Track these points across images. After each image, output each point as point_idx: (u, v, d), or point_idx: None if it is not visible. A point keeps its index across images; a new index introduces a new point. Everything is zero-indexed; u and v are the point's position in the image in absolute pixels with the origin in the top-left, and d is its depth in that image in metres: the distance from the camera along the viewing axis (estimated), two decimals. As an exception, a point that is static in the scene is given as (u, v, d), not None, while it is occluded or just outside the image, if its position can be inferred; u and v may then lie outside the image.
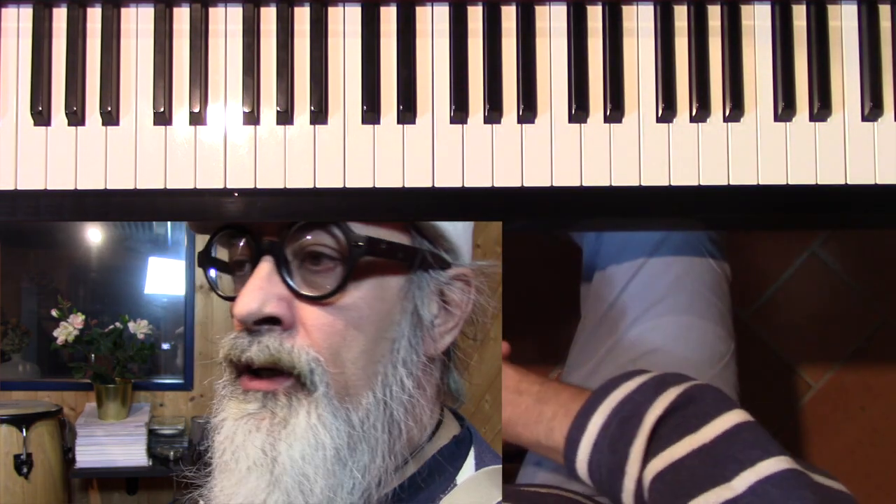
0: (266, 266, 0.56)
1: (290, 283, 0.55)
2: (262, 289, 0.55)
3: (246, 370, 0.56)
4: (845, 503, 0.65)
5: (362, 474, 0.55)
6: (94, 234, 2.11)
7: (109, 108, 0.85)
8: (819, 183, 0.87)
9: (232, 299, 0.58)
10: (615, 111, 0.87)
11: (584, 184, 0.87)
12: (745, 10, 0.89)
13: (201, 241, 0.63)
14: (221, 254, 0.61)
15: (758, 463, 0.68)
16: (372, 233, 0.56)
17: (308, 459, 0.54)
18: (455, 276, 0.60)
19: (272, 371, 0.56)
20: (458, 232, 0.61)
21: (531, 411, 0.85)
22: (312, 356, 0.55)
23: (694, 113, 0.87)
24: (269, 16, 0.87)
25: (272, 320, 0.55)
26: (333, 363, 0.55)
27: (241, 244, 0.59)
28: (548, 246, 1.72)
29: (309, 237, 0.56)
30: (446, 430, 0.62)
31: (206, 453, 0.58)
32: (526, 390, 0.87)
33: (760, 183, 0.87)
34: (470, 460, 0.61)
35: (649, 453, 0.74)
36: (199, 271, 1.85)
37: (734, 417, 0.73)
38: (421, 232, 0.59)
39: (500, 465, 0.62)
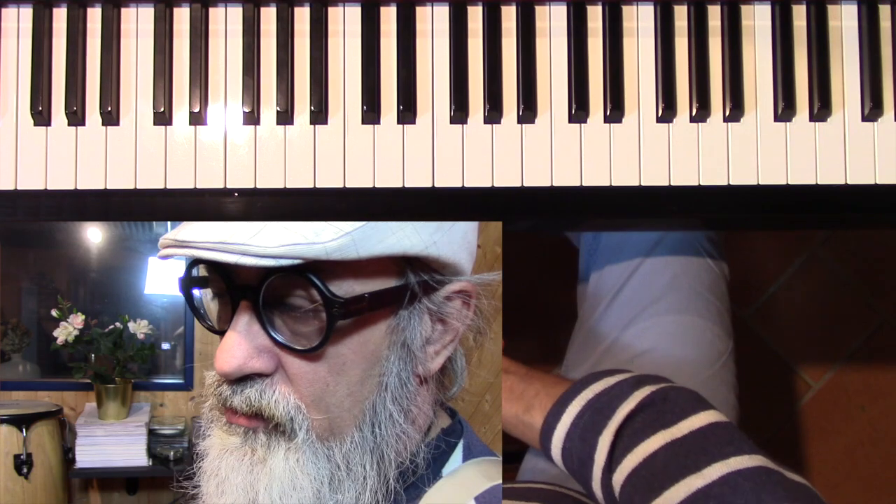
0: (245, 315, 0.54)
1: (273, 335, 0.53)
2: (241, 345, 0.53)
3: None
4: (815, 501, 0.65)
5: None
6: (94, 234, 2.11)
7: (109, 108, 0.85)
8: (819, 183, 0.87)
9: (212, 330, 0.57)
10: (615, 111, 0.87)
11: (584, 184, 0.87)
12: (745, 10, 0.89)
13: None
14: (202, 272, 0.59)
15: (730, 457, 0.67)
16: (354, 281, 0.54)
17: (286, 499, 0.54)
18: (453, 293, 0.58)
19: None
20: (455, 248, 0.58)
21: (515, 388, 0.86)
22: (293, 404, 0.54)
23: (694, 113, 0.87)
24: (269, 16, 0.87)
25: (257, 373, 0.54)
26: (316, 409, 0.55)
27: (215, 277, 0.56)
28: (548, 246, 1.72)
29: (286, 289, 0.53)
30: (435, 427, 0.61)
31: (195, 463, 0.58)
32: (514, 370, 0.88)
33: (760, 183, 0.87)
34: (458, 452, 0.61)
35: (619, 446, 0.74)
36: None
37: (708, 417, 0.73)
38: (414, 262, 0.56)
39: (491, 458, 0.62)
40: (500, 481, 0.59)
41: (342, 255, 0.51)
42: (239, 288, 0.54)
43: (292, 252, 0.50)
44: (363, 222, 0.53)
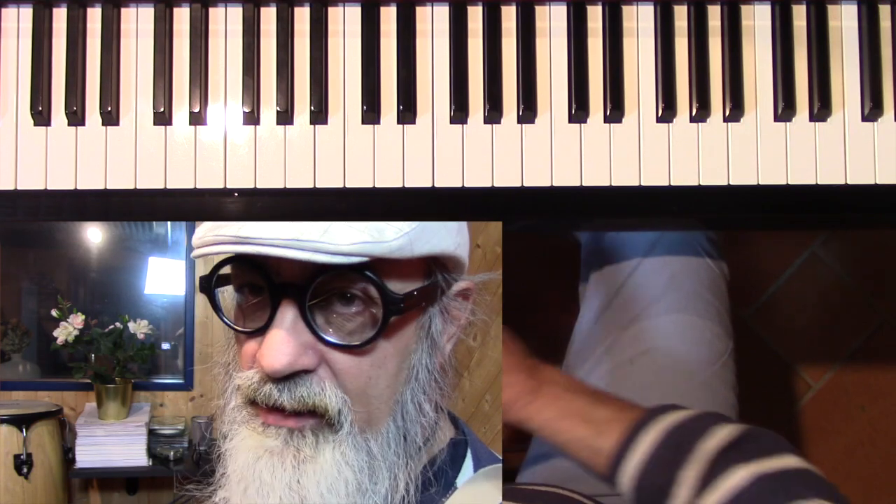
0: (289, 313, 0.54)
1: (321, 333, 0.54)
2: (289, 341, 0.54)
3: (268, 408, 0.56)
4: None
5: (383, 499, 0.56)
6: (94, 234, 2.11)
7: (109, 108, 0.85)
8: (819, 183, 0.87)
9: (240, 330, 0.57)
10: (615, 111, 0.87)
11: (584, 184, 0.87)
12: (745, 10, 0.89)
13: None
14: (225, 271, 0.59)
15: (813, 499, 0.67)
16: (398, 279, 0.55)
17: (333, 492, 0.54)
18: (459, 292, 0.61)
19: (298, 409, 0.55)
20: (468, 249, 0.61)
21: (582, 409, 0.83)
22: (341, 398, 0.55)
23: (694, 113, 0.87)
24: (269, 16, 0.87)
25: (304, 370, 0.55)
26: (359, 402, 0.56)
27: (252, 275, 0.56)
28: (548, 246, 1.72)
29: (338, 286, 0.54)
30: (442, 432, 0.62)
31: (209, 461, 0.58)
32: (571, 386, 0.85)
33: (760, 183, 0.87)
34: (468, 462, 0.62)
35: (704, 481, 0.72)
36: (199, 270, 1.85)
37: (793, 461, 0.72)
38: (438, 262, 0.59)
39: (498, 465, 0.62)
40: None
41: (401, 254, 0.54)
42: (281, 286, 0.54)
43: (362, 250, 0.52)
44: (415, 223, 0.55)
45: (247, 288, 0.57)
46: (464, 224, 0.62)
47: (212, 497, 0.58)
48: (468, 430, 0.64)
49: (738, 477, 0.71)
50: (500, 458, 0.63)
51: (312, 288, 0.53)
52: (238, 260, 0.56)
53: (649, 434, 0.78)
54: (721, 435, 0.75)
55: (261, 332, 0.55)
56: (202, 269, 0.77)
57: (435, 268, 0.59)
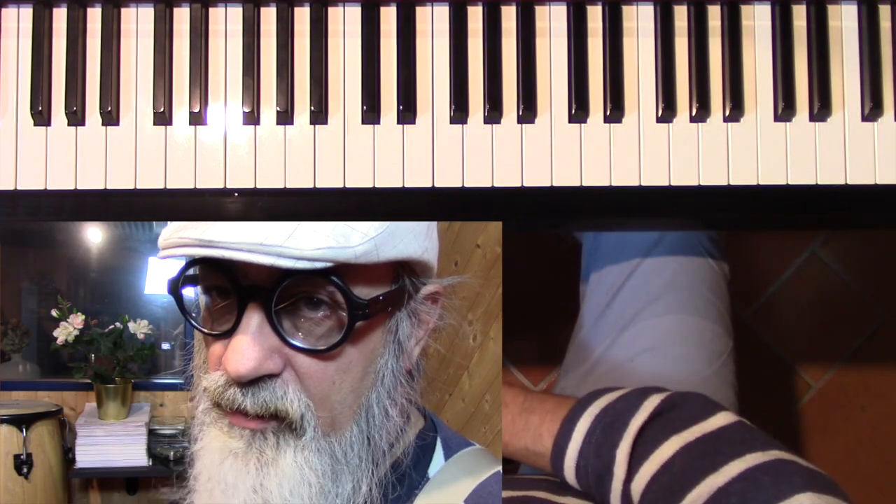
0: (255, 317, 0.54)
1: (287, 337, 0.54)
2: (254, 346, 0.53)
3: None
4: (834, 489, 0.66)
5: (345, 502, 0.56)
6: (94, 234, 2.11)
7: (109, 108, 0.85)
8: (819, 183, 0.87)
9: (207, 333, 0.56)
10: (615, 111, 0.87)
11: (584, 184, 0.87)
12: (745, 10, 0.89)
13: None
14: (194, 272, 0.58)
15: (746, 454, 0.69)
16: (364, 284, 0.55)
17: (296, 495, 0.55)
18: (427, 296, 0.60)
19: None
20: (435, 253, 0.61)
21: (517, 421, 0.86)
22: (305, 402, 0.55)
23: (694, 113, 0.87)
24: (269, 16, 0.87)
25: (269, 374, 0.55)
26: (322, 406, 0.56)
27: (219, 278, 0.56)
28: (548, 246, 1.72)
29: (303, 291, 0.54)
30: (412, 426, 0.62)
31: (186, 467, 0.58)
32: (511, 401, 0.88)
33: (760, 183, 0.87)
34: (438, 451, 0.62)
35: (636, 456, 0.74)
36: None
37: (720, 419, 0.73)
38: (405, 266, 0.58)
39: (470, 448, 0.63)
40: (484, 476, 0.60)
41: (366, 259, 0.53)
42: (247, 289, 0.54)
43: (326, 255, 0.52)
44: (382, 225, 0.54)
45: (214, 290, 0.56)
46: (433, 226, 0.61)
47: (186, 499, 0.58)
48: (437, 419, 0.65)
49: (667, 448, 0.72)
50: (473, 443, 0.64)
51: (279, 292, 0.53)
52: (205, 262, 0.55)
53: (582, 421, 0.80)
54: (647, 407, 0.76)
55: (227, 335, 0.55)
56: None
57: (402, 272, 0.58)
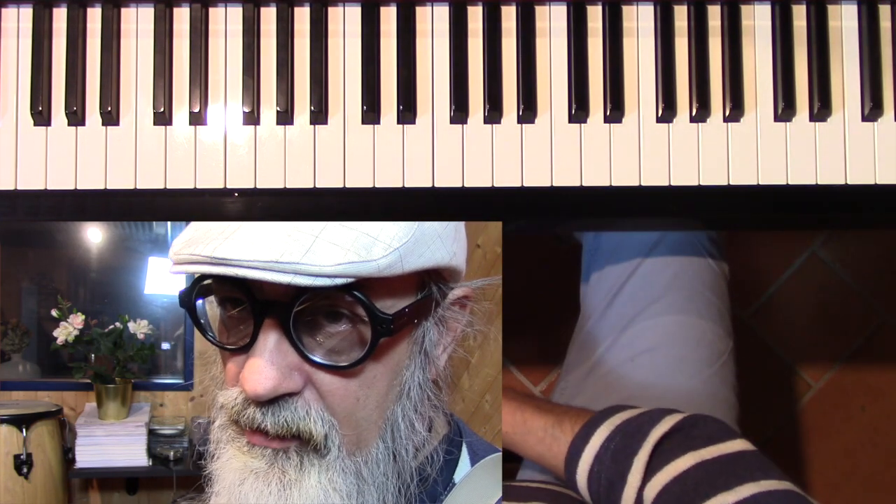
0: (273, 333, 0.51)
1: (307, 353, 0.51)
2: (273, 364, 0.51)
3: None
4: None
5: None
6: (94, 234, 2.11)
7: (109, 108, 0.85)
8: (819, 183, 0.87)
9: (223, 347, 0.54)
10: (615, 111, 0.87)
11: (584, 184, 0.87)
12: (745, 10, 0.89)
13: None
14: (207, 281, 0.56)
15: (761, 480, 0.69)
16: (389, 296, 0.52)
17: None
18: (455, 300, 0.58)
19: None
20: (464, 256, 0.58)
21: (541, 406, 0.87)
22: (328, 421, 0.52)
23: (694, 113, 0.87)
24: (269, 16, 0.87)
25: (289, 393, 0.52)
26: (347, 424, 0.53)
27: (233, 291, 0.53)
28: (548, 246, 1.72)
29: (325, 306, 0.51)
30: (435, 431, 0.61)
31: (203, 465, 0.56)
32: (531, 402, 0.89)
33: (760, 183, 0.87)
34: (464, 457, 0.61)
35: (652, 466, 0.75)
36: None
37: (739, 445, 0.74)
38: (432, 273, 0.56)
39: (496, 455, 0.62)
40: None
41: (391, 272, 0.50)
42: (264, 304, 0.51)
43: (347, 271, 0.49)
44: (408, 233, 0.51)
45: (229, 302, 0.54)
46: (461, 227, 0.59)
47: None
48: (463, 424, 0.63)
49: (683, 461, 0.73)
50: (499, 448, 0.63)
51: (297, 307, 0.50)
52: (221, 277, 0.52)
53: (603, 428, 0.81)
54: (669, 421, 0.77)
55: (244, 349, 0.52)
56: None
57: (429, 279, 0.55)
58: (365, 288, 0.51)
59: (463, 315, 0.58)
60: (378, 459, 0.54)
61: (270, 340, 0.51)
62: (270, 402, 0.52)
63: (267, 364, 0.51)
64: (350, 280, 0.49)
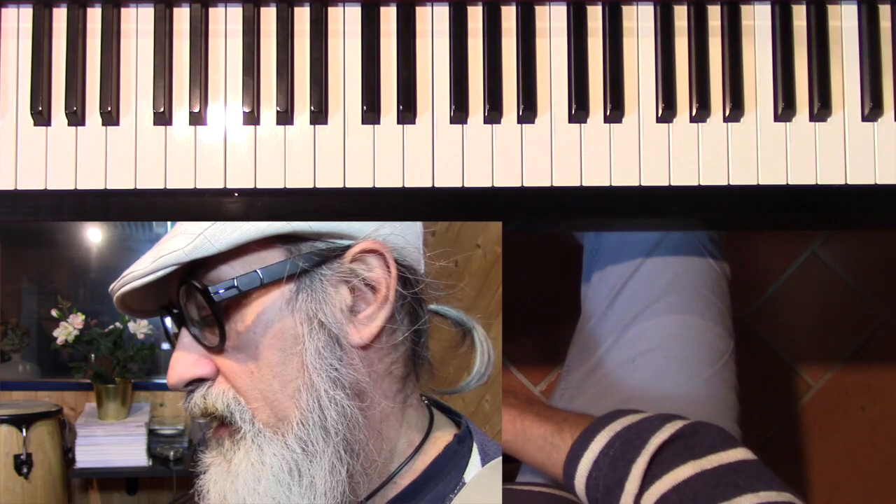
0: (185, 333, 0.59)
1: (201, 340, 0.58)
2: (182, 357, 0.58)
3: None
4: None
5: (316, 493, 0.56)
6: (94, 234, 2.11)
7: (109, 108, 0.85)
8: (819, 183, 0.87)
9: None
10: (615, 111, 0.87)
11: (584, 184, 0.87)
12: (745, 10, 0.89)
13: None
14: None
15: (761, 491, 0.69)
16: (231, 269, 0.57)
17: (250, 493, 0.56)
18: (359, 254, 0.57)
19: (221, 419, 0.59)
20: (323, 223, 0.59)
21: (542, 413, 0.87)
22: (231, 397, 0.57)
23: (694, 113, 0.87)
24: (269, 16, 0.87)
25: (200, 379, 0.58)
26: (253, 398, 0.57)
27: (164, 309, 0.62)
28: (548, 246, 1.72)
29: (187, 297, 0.58)
30: (442, 430, 0.61)
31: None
32: (531, 407, 0.88)
33: (760, 183, 0.87)
34: (475, 456, 0.61)
35: (651, 475, 0.75)
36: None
37: (739, 454, 0.74)
38: (289, 238, 0.57)
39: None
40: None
41: (202, 253, 0.56)
42: (168, 308, 0.60)
43: (159, 264, 0.56)
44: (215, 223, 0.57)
45: (171, 317, 0.61)
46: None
47: None
48: (472, 424, 0.63)
49: (683, 471, 0.73)
50: None
51: (182, 304, 0.58)
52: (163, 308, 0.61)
53: (602, 434, 0.80)
54: (669, 429, 0.77)
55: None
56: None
57: (286, 245, 0.57)
58: (201, 272, 0.57)
59: (385, 267, 0.57)
60: (301, 428, 0.56)
61: (183, 337, 0.59)
62: (192, 390, 0.58)
63: (177, 358, 0.58)
64: (172, 268, 0.56)
